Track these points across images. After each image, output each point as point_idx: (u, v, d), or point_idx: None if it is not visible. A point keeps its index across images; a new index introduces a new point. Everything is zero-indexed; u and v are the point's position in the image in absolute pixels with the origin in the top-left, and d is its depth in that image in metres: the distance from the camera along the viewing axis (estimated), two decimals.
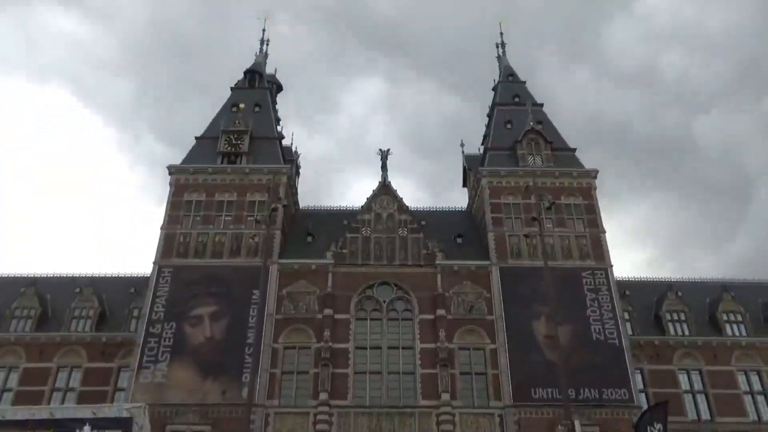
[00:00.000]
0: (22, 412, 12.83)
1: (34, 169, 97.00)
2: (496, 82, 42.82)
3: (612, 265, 32.25)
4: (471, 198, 39.68)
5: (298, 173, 41.29)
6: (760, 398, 31.08)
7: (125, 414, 12.56)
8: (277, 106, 41.68)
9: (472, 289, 31.71)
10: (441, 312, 30.69)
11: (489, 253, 32.75)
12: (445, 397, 28.27)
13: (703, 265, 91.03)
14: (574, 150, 37.57)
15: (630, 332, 31.45)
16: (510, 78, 42.46)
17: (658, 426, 11.61)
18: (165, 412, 27.05)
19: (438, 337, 29.81)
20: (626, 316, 32.09)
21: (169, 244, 32.29)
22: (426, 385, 28.98)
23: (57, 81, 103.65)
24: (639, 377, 30.58)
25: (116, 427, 12.06)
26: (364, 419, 28.17)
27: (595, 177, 35.44)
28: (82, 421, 12.20)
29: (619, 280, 32.96)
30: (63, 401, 29.92)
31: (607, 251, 32.75)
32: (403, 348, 30.30)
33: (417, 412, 28.32)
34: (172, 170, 34.82)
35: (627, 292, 33.60)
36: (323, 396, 28.19)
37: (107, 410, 13.02)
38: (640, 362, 31.13)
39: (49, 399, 30.11)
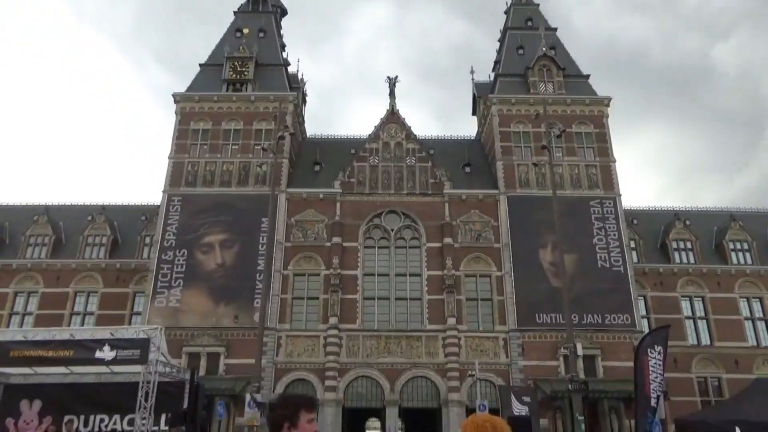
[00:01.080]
0: (44, 334, 13.30)
1: (40, 94, 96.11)
2: (509, 4, 41.13)
3: (620, 195, 32.16)
4: (480, 126, 39.11)
5: (304, 101, 40.64)
6: (761, 324, 31.76)
7: (142, 335, 12.95)
8: (282, 32, 40.47)
9: (479, 218, 31.87)
10: (448, 240, 31.01)
11: (497, 182, 32.66)
12: (451, 321, 29.07)
13: (712, 195, 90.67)
14: (587, 77, 36.59)
15: (635, 260, 31.80)
16: (523, 0, 40.76)
17: (659, 349, 11.90)
18: (181, 335, 28.09)
19: (445, 264, 30.27)
20: (632, 244, 32.33)
21: (177, 173, 32.38)
22: (433, 310, 29.74)
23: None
24: (642, 303, 31.21)
25: (134, 347, 12.48)
26: (372, 341, 29.16)
27: (608, 105, 34.68)
28: (101, 342, 12.62)
29: (627, 209, 33.01)
30: (82, 324, 31.05)
31: (617, 180, 32.55)
32: (410, 275, 30.89)
33: (424, 335, 29.24)
34: (177, 98, 34.38)
35: (635, 221, 33.74)
36: (333, 320, 29.07)
37: (125, 332, 13.42)
38: (644, 289, 31.67)
39: (68, 322, 31.25)
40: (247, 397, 18.58)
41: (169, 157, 32.85)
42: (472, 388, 27.31)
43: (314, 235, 31.45)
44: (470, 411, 26.13)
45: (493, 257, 31.02)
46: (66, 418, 13.45)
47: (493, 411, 22.39)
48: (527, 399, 21.59)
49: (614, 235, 30.95)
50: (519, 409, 20.30)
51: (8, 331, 16.05)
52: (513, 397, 21.25)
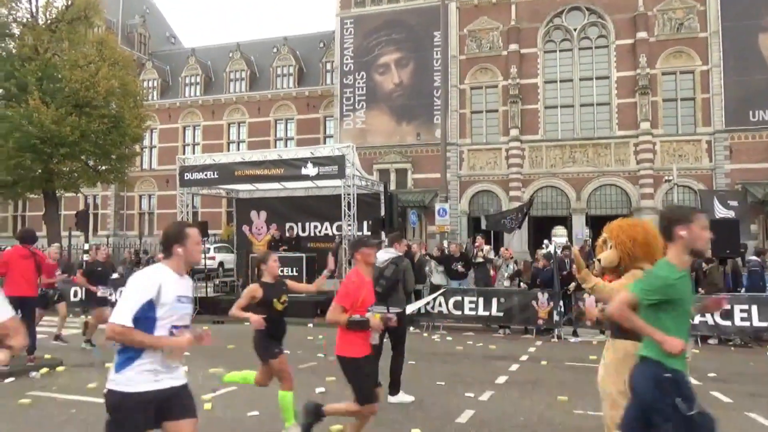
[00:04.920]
0: (257, 155, 15.18)
1: None
2: None
3: None
4: None
5: None
6: None
7: (337, 153, 14.10)
8: None
9: (681, 4, 27.38)
10: (642, 35, 27.46)
11: None
12: (645, 125, 26.88)
13: None
14: None
15: None
16: None
17: None
18: (370, 153, 30.09)
19: (638, 63, 27.23)
20: None
21: None
22: (623, 114, 27.64)
23: None
24: None
25: (332, 163, 13.71)
26: (556, 151, 28.47)
27: None
28: (304, 160, 14.08)
29: None
30: (285, 147, 34.75)
31: None
32: (596, 78, 28.51)
33: (612, 142, 27.67)
34: None
35: None
36: (514, 132, 28.65)
37: (323, 150, 14.75)
38: None
39: (274, 146, 35.18)
40: (437, 206, 19.85)
41: None
42: (668, 195, 25.87)
43: (489, 44, 29.94)
44: None
45: (697, 49, 27.02)
46: (287, 225, 15.85)
47: None
48: (734, 203, 19.84)
49: None
50: (723, 213, 18.87)
51: (230, 154, 18.65)
52: (716, 202, 19.67)
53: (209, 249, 18.02)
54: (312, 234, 16.11)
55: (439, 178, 20.83)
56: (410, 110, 30.21)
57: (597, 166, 27.78)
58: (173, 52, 41.26)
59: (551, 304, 11.29)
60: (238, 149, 34.19)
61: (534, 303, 11.41)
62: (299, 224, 16.12)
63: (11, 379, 7.25)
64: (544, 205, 28.64)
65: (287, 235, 15.61)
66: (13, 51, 23.91)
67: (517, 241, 19.05)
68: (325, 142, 33.08)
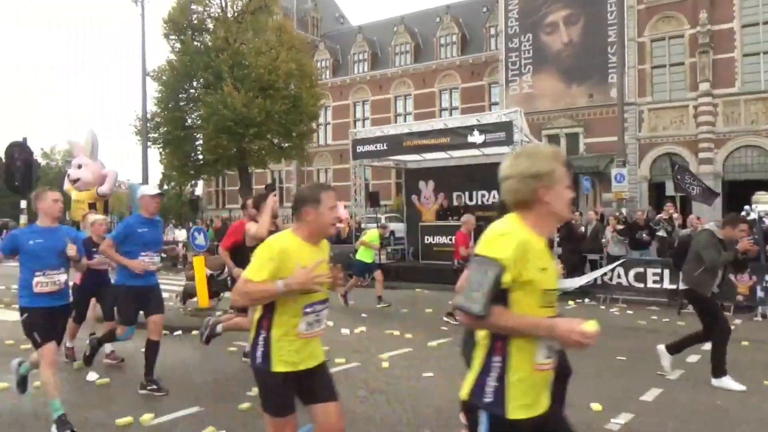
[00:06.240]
0: (424, 125, 15.45)
1: None
2: None
3: None
4: None
5: None
6: None
7: (504, 119, 13.79)
8: None
9: None
10: None
11: None
12: None
13: None
14: None
15: None
16: None
17: None
18: (537, 119, 28.89)
19: None
20: None
21: None
22: None
23: None
24: None
25: (499, 129, 13.46)
26: (758, 105, 24.82)
27: None
28: (470, 128, 14.01)
29: None
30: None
31: None
32: None
33: None
34: None
35: None
36: (704, 86, 25.50)
37: (489, 117, 14.55)
38: None
39: (439, 117, 35.42)
40: (613, 171, 18.52)
41: None
42: None
43: None
44: None
45: None
46: (455, 194, 15.97)
47: None
48: None
49: None
50: None
51: (398, 125, 19.19)
52: None
53: (380, 218, 18.85)
54: (479, 203, 16.03)
55: (615, 141, 19.39)
56: (581, 70, 28.31)
57: None
58: (342, 32, 43.21)
59: (754, 278, 10.03)
60: (405, 122, 34.99)
61: (732, 277, 10.22)
62: (466, 193, 16.14)
63: None
64: (742, 168, 25.27)
65: (455, 204, 15.74)
66: (209, 44, 26.90)
67: (708, 210, 17.05)
68: (490, 110, 32.50)
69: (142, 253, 5.13)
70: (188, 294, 9.93)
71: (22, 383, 4.75)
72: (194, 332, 6.60)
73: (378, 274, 10.96)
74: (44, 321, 4.26)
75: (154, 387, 5.15)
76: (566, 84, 28.80)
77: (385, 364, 6.27)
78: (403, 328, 8.36)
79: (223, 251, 6.11)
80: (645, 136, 27.08)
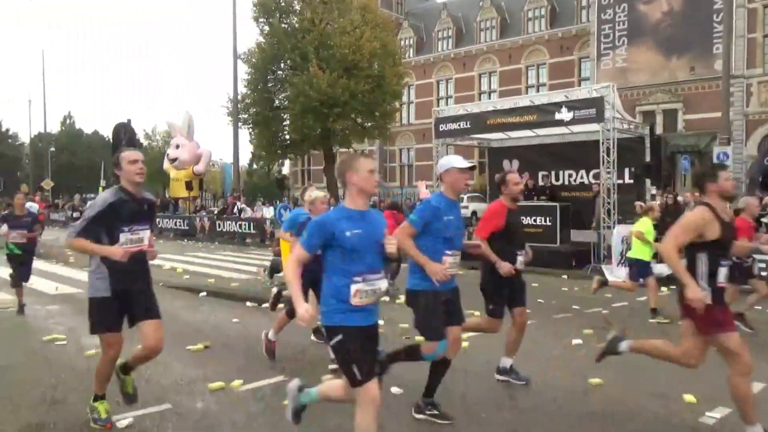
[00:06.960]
0: (509, 103, 14.98)
1: None
2: None
3: None
4: None
5: None
6: None
7: (595, 95, 13.13)
8: None
9: None
10: None
11: None
12: None
13: None
14: None
15: None
16: None
17: None
18: (631, 95, 27.36)
19: None
20: None
21: None
22: None
23: None
24: None
25: (589, 106, 12.81)
26: None
27: None
28: (558, 105, 13.43)
29: None
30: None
31: None
32: None
33: None
34: None
35: None
36: None
37: (579, 93, 13.86)
38: None
39: (525, 94, 34.33)
40: (715, 150, 17.23)
41: None
42: None
43: None
44: None
45: None
46: (540, 173, 15.47)
47: None
48: None
49: None
50: None
51: (482, 103, 18.77)
52: None
53: (462, 198, 18.65)
54: (566, 183, 15.48)
55: (718, 118, 18.01)
56: (682, 41, 26.40)
57: None
58: (426, 9, 42.63)
59: None
60: (489, 100, 34.21)
61: None
62: (552, 173, 15.64)
63: None
64: None
65: (541, 184, 15.27)
66: (296, 25, 27.45)
67: None
68: (579, 87, 31.09)
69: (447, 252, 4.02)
70: (274, 269, 10.31)
71: (298, 414, 3.37)
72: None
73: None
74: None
75: (435, 413, 4.08)
76: (665, 56, 26.99)
77: (465, 344, 6.23)
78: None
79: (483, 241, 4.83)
80: (754, 111, 24.96)
